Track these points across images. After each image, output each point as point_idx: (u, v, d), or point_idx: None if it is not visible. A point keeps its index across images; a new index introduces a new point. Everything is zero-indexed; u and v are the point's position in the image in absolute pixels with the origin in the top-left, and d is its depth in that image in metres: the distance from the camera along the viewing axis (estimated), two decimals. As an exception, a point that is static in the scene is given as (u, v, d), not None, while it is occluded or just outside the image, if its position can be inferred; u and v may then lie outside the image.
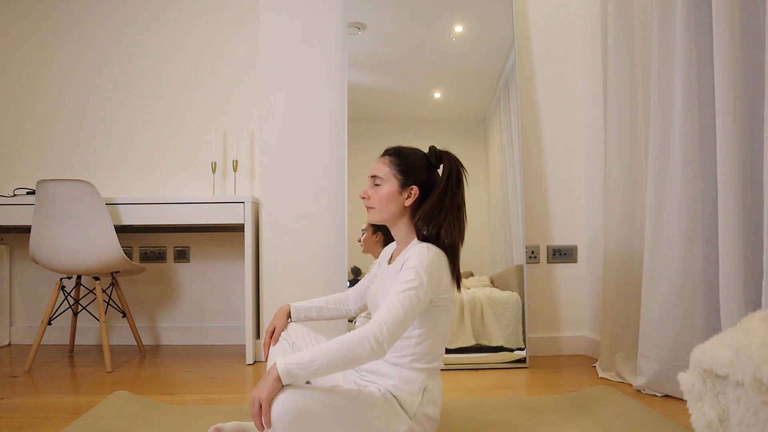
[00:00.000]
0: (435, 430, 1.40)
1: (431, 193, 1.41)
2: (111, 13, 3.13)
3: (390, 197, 1.41)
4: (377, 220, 1.45)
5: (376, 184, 1.43)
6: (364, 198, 1.45)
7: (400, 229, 1.45)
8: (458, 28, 2.70)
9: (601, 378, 2.19)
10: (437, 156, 1.44)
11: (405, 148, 1.47)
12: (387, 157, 1.44)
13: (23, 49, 3.15)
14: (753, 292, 1.59)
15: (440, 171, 1.44)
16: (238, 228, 2.90)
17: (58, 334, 2.99)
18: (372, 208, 1.44)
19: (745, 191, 1.62)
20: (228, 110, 3.09)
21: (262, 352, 1.54)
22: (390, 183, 1.41)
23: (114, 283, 2.66)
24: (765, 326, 0.88)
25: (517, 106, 2.58)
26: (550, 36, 2.74)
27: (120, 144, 3.11)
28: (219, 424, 1.46)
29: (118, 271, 2.64)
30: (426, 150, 1.46)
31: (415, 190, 1.41)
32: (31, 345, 2.55)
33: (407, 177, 1.41)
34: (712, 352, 0.92)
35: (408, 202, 1.41)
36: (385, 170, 1.42)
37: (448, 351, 2.40)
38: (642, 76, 2.12)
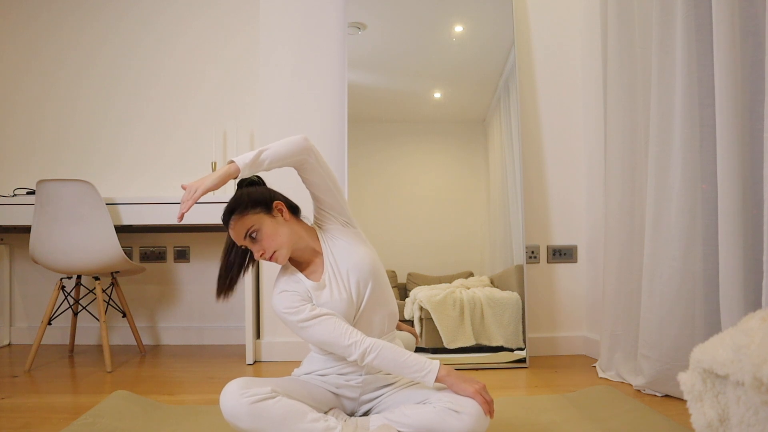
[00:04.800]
0: None
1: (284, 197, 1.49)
2: (120, 17, 3.13)
3: (275, 229, 1.40)
4: (288, 255, 1.43)
5: (255, 237, 1.39)
6: (264, 258, 1.40)
7: (301, 235, 1.46)
8: (458, 28, 2.70)
9: (601, 378, 2.19)
10: (249, 181, 1.50)
11: (233, 200, 1.42)
12: (236, 216, 1.39)
13: (29, 53, 3.15)
14: (753, 292, 1.59)
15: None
16: (238, 228, 2.90)
17: (58, 334, 2.99)
18: (276, 252, 1.40)
19: (745, 191, 1.62)
20: (228, 110, 3.09)
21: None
22: (262, 222, 1.39)
23: (114, 283, 2.66)
24: (765, 326, 0.88)
25: (517, 106, 2.58)
26: (550, 36, 2.74)
27: (120, 144, 3.11)
28: None
29: (118, 271, 2.64)
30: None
31: (279, 204, 1.44)
32: (31, 345, 2.55)
33: (263, 204, 1.41)
34: (712, 352, 0.92)
35: (285, 215, 1.44)
36: (248, 222, 1.39)
37: (449, 351, 2.41)
38: (642, 76, 2.12)
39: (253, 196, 1.42)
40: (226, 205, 1.42)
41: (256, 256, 1.40)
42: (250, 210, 1.39)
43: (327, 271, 1.45)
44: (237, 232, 1.39)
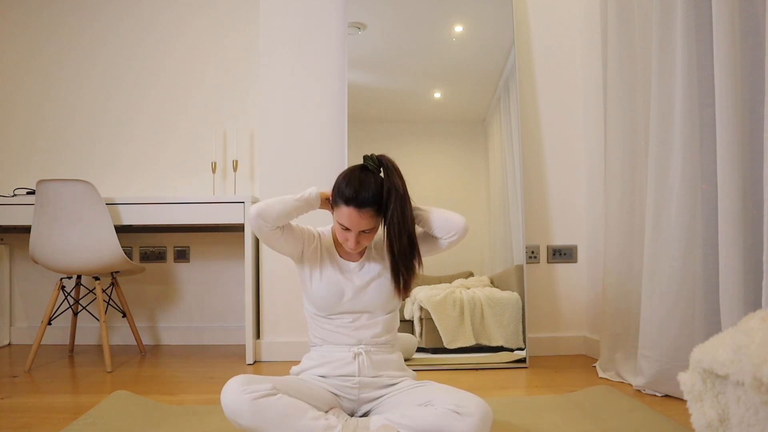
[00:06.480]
0: None
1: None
2: (120, 17, 3.13)
3: (377, 230, 1.45)
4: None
5: (365, 232, 1.41)
6: (351, 249, 1.43)
7: None
8: (458, 28, 2.70)
9: (601, 378, 2.19)
10: (376, 163, 1.43)
11: (370, 186, 1.39)
12: (367, 210, 1.37)
13: (29, 53, 3.14)
14: (753, 292, 1.59)
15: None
16: (238, 228, 2.90)
17: (58, 334, 2.99)
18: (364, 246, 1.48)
19: (745, 191, 1.62)
20: (228, 110, 3.09)
21: None
22: (378, 224, 1.42)
23: (114, 283, 2.66)
24: (765, 326, 0.88)
25: (517, 106, 2.58)
26: (550, 36, 2.74)
27: (120, 144, 3.11)
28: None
29: (118, 271, 2.64)
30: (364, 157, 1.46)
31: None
32: (31, 345, 2.55)
33: (383, 215, 1.42)
34: (712, 352, 0.92)
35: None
36: (374, 222, 1.41)
37: (449, 351, 2.41)
38: (642, 76, 2.12)
39: (382, 203, 1.39)
40: (357, 185, 1.36)
41: (348, 245, 1.40)
42: (376, 217, 1.39)
43: (354, 272, 1.51)
44: (358, 222, 1.37)
